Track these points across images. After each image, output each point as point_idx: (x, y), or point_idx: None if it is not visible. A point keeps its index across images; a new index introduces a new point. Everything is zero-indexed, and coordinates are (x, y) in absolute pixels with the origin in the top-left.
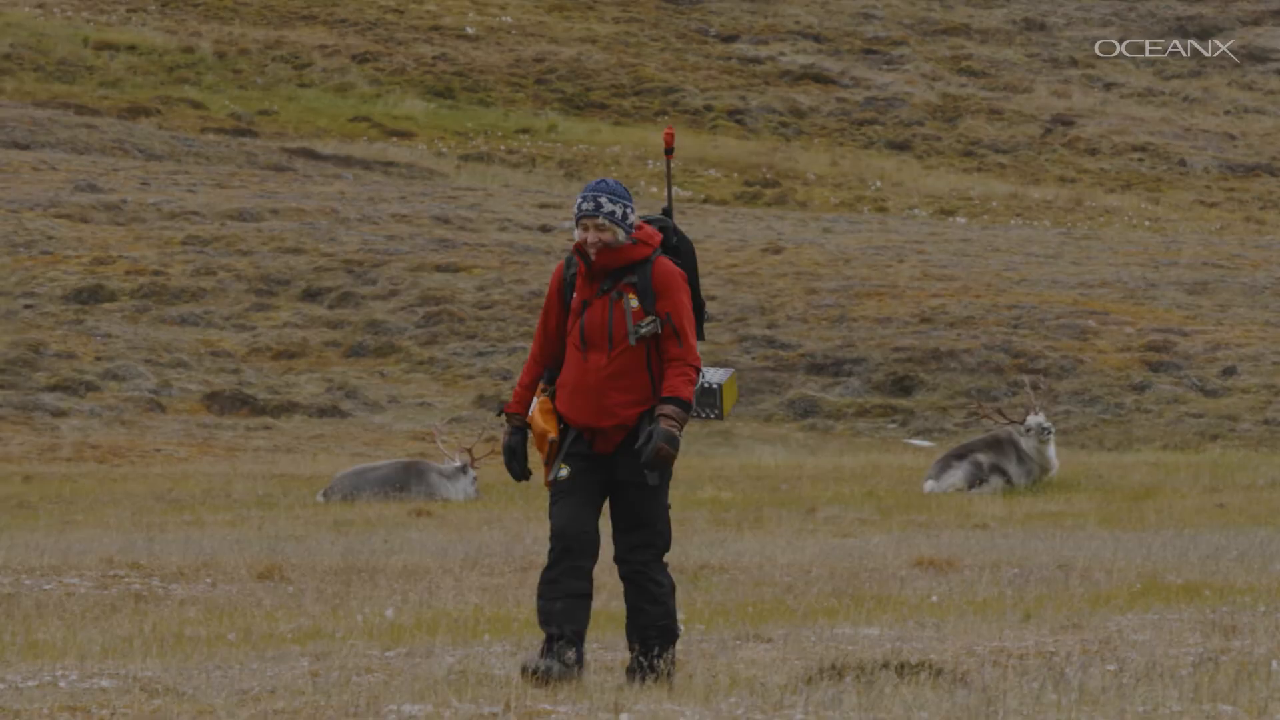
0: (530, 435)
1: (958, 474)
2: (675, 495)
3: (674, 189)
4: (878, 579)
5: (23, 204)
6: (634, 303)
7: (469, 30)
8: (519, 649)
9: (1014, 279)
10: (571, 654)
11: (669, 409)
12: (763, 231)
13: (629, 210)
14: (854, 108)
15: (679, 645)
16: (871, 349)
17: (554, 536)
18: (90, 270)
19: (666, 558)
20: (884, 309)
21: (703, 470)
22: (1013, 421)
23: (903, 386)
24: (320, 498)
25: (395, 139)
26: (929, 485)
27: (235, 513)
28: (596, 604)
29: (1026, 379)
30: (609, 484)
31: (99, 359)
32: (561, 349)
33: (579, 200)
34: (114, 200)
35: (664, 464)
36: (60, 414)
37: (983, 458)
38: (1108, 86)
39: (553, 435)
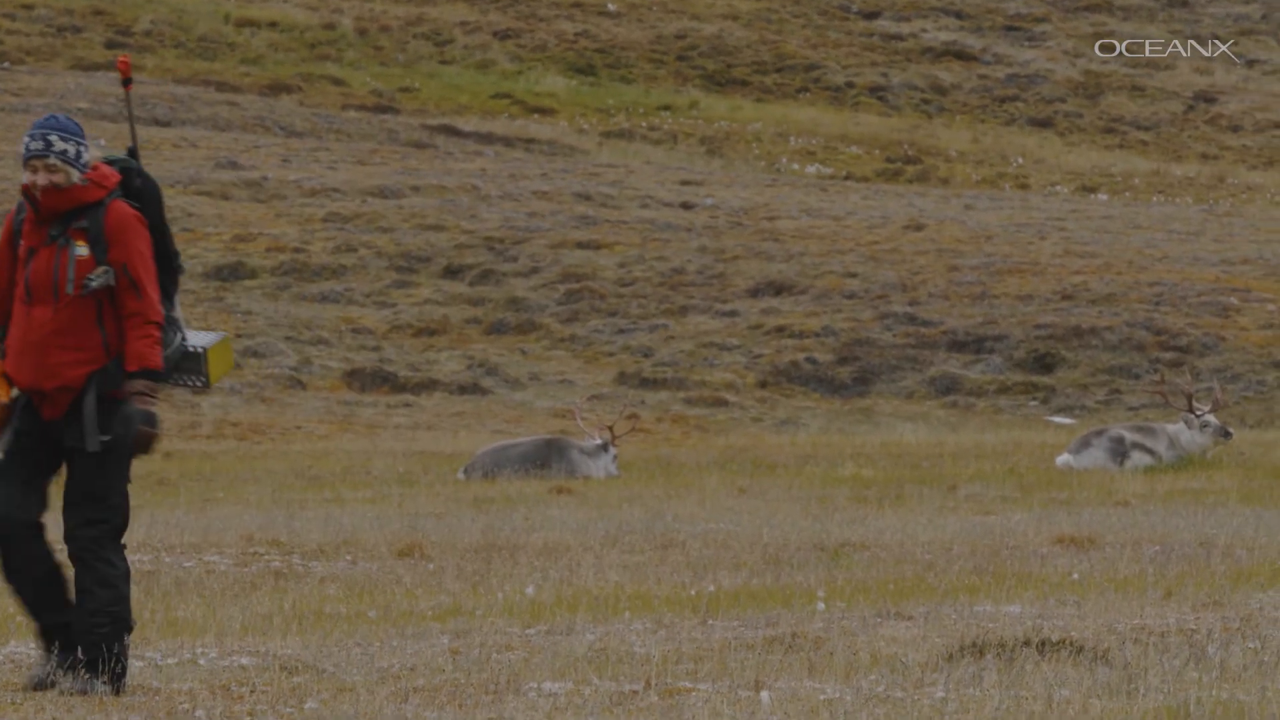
0: None
1: (1098, 451)
2: (816, 473)
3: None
4: (1019, 556)
5: (164, 181)
6: (83, 250)
7: (610, 7)
8: (660, 627)
9: (1156, 256)
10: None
11: (140, 384)
12: (904, 208)
13: (83, 148)
14: (996, 84)
15: (133, 638)
16: (1013, 326)
17: None
18: (231, 247)
19: (125, 541)
20: (1025, 286)
21: (844, 448)
22: (1192, 410)
23: (1044, 364)
24: (461, 475)
25: (536, 116)
26: (1062, 459)
27: (375, 490)
28: (734, 582)
29: (1157, 373)
30: (61, 453)
31: (239, 336)
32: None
33: (26, 140)
34: (255, 177)
35: (147, 447)
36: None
37: (1126, 434)
38: (1250, 64)
39: (3, 400)
